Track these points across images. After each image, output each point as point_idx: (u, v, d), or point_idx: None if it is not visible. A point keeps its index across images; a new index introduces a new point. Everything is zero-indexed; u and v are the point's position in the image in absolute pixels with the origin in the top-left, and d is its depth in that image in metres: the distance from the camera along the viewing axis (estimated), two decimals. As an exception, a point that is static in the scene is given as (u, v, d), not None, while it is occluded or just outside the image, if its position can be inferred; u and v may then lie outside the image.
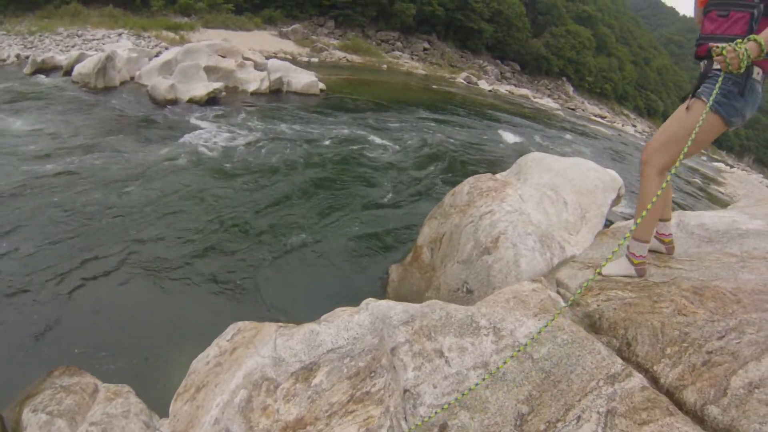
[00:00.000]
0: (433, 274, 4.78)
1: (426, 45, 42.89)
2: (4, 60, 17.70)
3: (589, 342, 2.24)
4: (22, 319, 5.08)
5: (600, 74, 54.92)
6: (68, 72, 15.52)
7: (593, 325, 2.53)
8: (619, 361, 2.20)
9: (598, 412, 1.95)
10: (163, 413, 3.99)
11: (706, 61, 2.40)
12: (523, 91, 38.77)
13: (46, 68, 16.05)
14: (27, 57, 17.16)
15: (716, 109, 2.31)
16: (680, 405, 2.06)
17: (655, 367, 2.24)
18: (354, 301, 3.18)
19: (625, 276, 2.84)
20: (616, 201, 5.78)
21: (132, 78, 15.76)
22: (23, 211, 6.89)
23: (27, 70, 15.83)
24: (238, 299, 5.63)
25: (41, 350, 4.77)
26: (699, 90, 2.42)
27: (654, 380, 2.21)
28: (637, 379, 2.11)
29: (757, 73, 2.25)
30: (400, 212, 8.47)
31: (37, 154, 9.07)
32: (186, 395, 3.19)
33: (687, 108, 2.45)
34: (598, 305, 2.56)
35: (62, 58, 16.47)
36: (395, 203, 8.89)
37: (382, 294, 5.64)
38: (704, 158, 43.41)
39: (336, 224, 7.55)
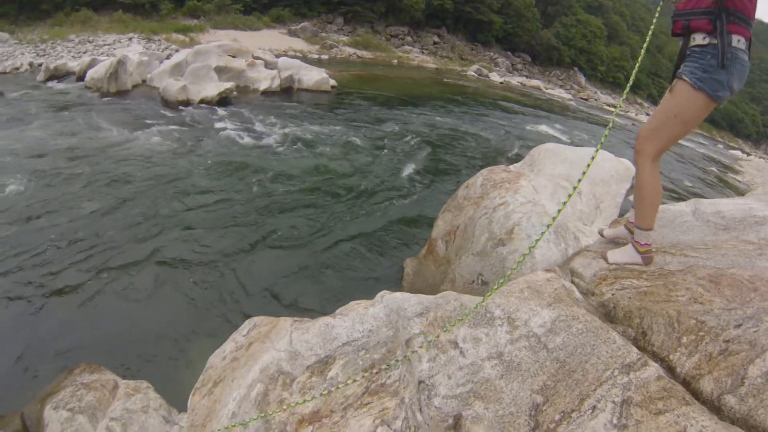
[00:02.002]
0: (448, 267, 4.78)
1: (436, 39, 42.69)
2: (18, 68, 17.97)
3: (604, 331, 2.22)
4: (43, 317, 5.18)
5: (612, 63, 53.93)
6: (81, 77, 15.76)
7: (608, 315, 2.51)
8: (635, 350, 2.18)
9: (613, 402, 1.94)
10: (182, 408, 4.05)
11: (683, 39, 2.36)
12: (535, 82, 38.41)
13: (59, 75, 16.28)
14: (40, 65, 17.42)
15: (699, 87, 2.24)
16: (697, 394, 2.04)
17: (671, 357, 2.22)
18: (369, 294, 3.20)
19: (632, 264, 2.80)
20: (630, 191, 5.72)
21: (144, 81, 15.93)
22: (44, 211, 7.01)
23: (40, 77, 16.07)
24: (254, 295, 5.68)
25: (61, 348, 4.86)
26: (679, 70, 2.36)
27: (670, 369, 2.19)
28: (653, 369, 2.10)
29: (738, 40, 2.15)
30: (413, 206, 8.49)
31: (54, 156, 9.26)
32: (203, 390, 3.23)
33: (670, 91, 2.41)
34: (613, 294, 2.54)
35: (74, 65, 16.69)
36: (409, 197, 8.91)
37: (397, 287, 5.66)
38: (721, 146, 42.70)
39: (350, 219, 7.59)
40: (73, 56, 19.82)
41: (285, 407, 2.37)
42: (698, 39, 2.22)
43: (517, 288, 2.50)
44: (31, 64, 18.29)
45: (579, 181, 2.42)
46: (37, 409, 3.99)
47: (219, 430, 2.57)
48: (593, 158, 2.47)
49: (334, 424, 2.22)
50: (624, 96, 2.53)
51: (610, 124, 2.49)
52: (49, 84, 15.57)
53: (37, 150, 9.52)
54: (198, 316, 5.28)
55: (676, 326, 2.28)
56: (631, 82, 2.52)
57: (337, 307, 2.98)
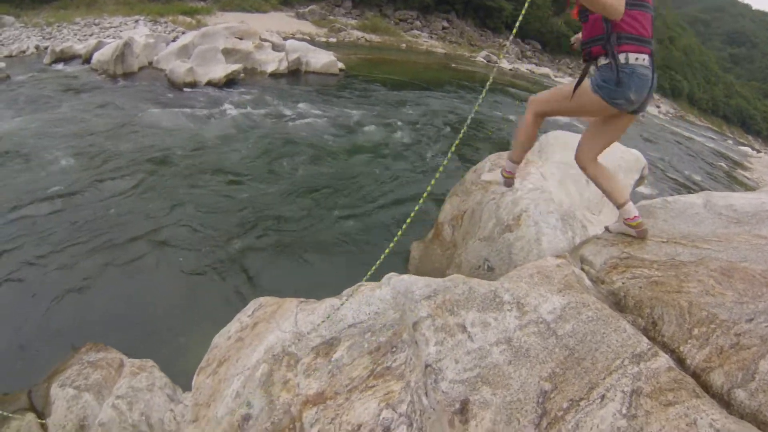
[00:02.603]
0: (454, 251, 4.76)
1: (445, 24, 42.23)
2: (24, 51, 17.84)
3: (615, 320, 2.20)
4: (50, 297, 5.19)
5: None
6: (87, 60, 15.64)
7: (618, 303, 2.48)
8: (645, 340, 2.15)
9: (622, 392, 1.91)
10: (186, 387, 4.06)
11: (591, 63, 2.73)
12: (544, 69, 37.93)
13: (65, 57, 16.15)
14: (46, 48, 17.30)
15: (596, 92, 2.63)
16: (706, 387, 2.01)
17: (681, 348, 2.20)
18: (375, 277, 3.18)
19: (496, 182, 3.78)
20: (639, 181, 5.67)
21: (150, 63, 15.78)
22: (49, 192, 7.02)
23: (47, 60, 15.98)
24: (259, 276, 5.68)
25: (67, 328, 4.87)
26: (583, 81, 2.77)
27: (680, 361, 2.17)
28: (663, 360, 2.07)
29: (636, 58, 2.47)
30: (420, 189, 8.43)
31: (58, 138, 9.24)
32: (208, 369, 3.23)
33: (575, 90, 2.80)
34: (623, 283, 2.51)
35: (80, 47, 16.57)
36: (416, 180, 8.87)
37: (403, 270, 5.63)
38: (730, 142, 42.28)
39: (356, 201, 7.56)
40: (79, 39, 19.68)
41: (289, 388, 2.37)
42: (601, 61, 2.59)
43: (527, 273, 2.47)
44: (37, 48, 18.15)
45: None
46: (44, 387, 4.01)
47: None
48: (474, 111, 3.03)
49: (339, 406, 2.21)
50: (506, 49, 2.81)
51: (490, 79, 2.80)
52: (56, 67, 15.45)
53: (42, 132, 9.50)
54: (203, 297, 5.28)
55: (687, 317, 2.26)
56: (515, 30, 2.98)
57: (342, 289, 2.96)
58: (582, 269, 2.75)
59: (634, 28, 2.43)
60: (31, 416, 3.73)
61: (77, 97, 12.17)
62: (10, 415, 3.74)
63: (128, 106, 11.74)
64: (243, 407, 2.59)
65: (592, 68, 2.70)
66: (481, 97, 2.71)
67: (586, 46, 2.68)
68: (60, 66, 15.54)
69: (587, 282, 2.57)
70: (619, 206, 3.01)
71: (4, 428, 3.58)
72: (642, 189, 8.68)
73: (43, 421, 3.69)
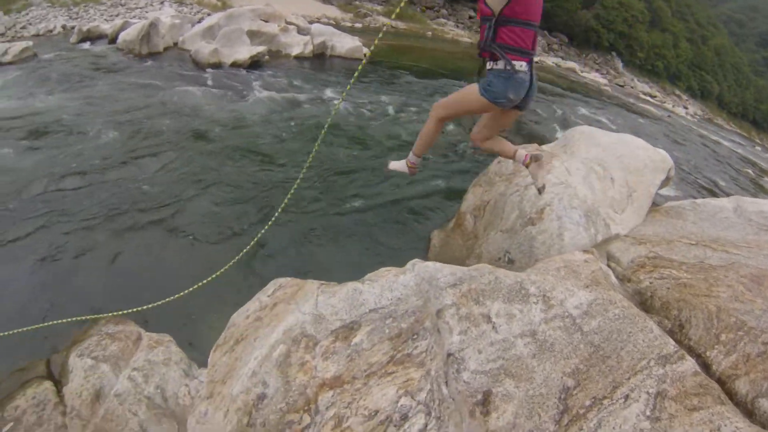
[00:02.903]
0: (475, 242, 4.72)
1: (471, 13, 41.52)
2: (51, 31, 17.93)
3: (642, 319, 2.15)
4: (71, 269, 5.27)
5: (652, 50, 51.01)
6: (113, 40, 15.66)
7: (644, 303, 2.43)
8: (672, 342, 2.11)
9: (647, 393, 1.88)
10: (201, 363, 4.10)
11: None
12: (571, 64, 37.22)
13: (91, 37, 16.18)
14: (73, 27, 17.34)
15: (482, 94, 3.02)
16: (731, 394, 1.97)
17: (708, 353, 2.15)
18: (394, 263, 3.16)
19: (401, 172, 4.07)
20: (665, 182, 5.55)
21: (175, 44, 15.81)
22: (73, 167, 7.11)
23: (73, 39, 16.04)
24: (278, 256, 5.69)
25: (88, 299, 4.94)
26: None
27: (705, 366, 2.13)
28: (690, 363, 2.03)
29: (519, 65, 2.85)
30: (442, 178, 8.38)
31: (92, 115, 9.36)
32: (225, 347, 3.24)
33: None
34: (651, 283, 2.46)
35: (107, 27, 16.62)
36: (437, 169, 8.80)
37: (422, 258, 5.60)
38: (759, 148, 41.26)
39: (377, 187, 7.50)
40: (105, 19, 19.75)
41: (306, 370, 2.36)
42: (490, 64, 2.96)
43: (554, 266, 2.43)
44: (64, 27, 18.20)
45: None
46: (63, 356, 4.08)
47: None
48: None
49: (356, 391, 2.20)
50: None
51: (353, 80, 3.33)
52: (82, 46, 15.46)
53: (72, 109, 9.63)
54: (222, 275, 5.30)
55: (715, 322, 2.21)
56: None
57: (359, 274, 2.94)
58: (608, 266, 2.70)
59: (515, 41, 2.79)
60: (48, 384, 3.80)
61: (105, 75, 12.27)
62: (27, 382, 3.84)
63: (154, 85, 11.81)
64: (258, 387, 2.60)
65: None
66: (347, 87, 3.11)
67: (479, 48, 3.03)
68: (86, 45, 15.61)
69: (613, 279, 2.52)
70: (512, 157, 3.81)
71: (20, 394, 3.66)
72: (665, 191, 8.52)
73: (60, 390, 3.77)
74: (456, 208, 6.53)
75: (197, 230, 6.04)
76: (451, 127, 11.83)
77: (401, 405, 2.04)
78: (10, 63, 12.71)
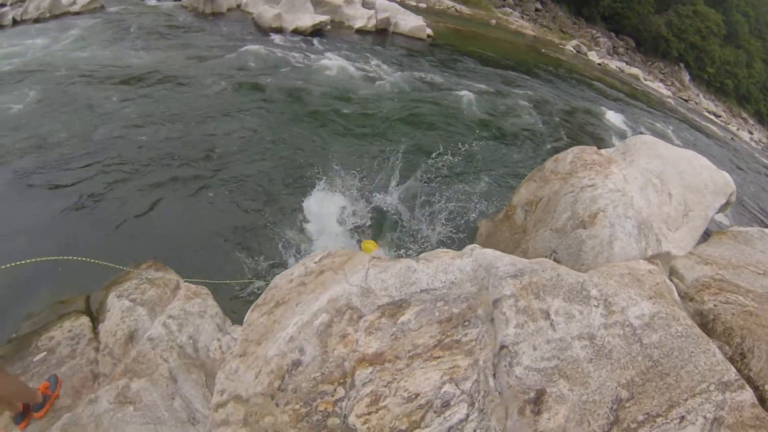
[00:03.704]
0: (522, 237, 4.63)
1: (538, 6, 40.54)
2: None
3: (704, 341, 2.06)
4: (120, 214, 5.42)
5: (723, 67, 47.91)
6: (179, -3, 16.11)
7: (705, 325, 2.33)
8: (733, 369, 2.01)
9: (704, 417, 1.79)
10: (235, 320, 4.16)
11: None
12: (634, 70, 35.80)
13: (158, -7, 16.67)
14: (141, -18, 17.84)
15: None
16: (784, 431, 1.88)
17: (767, 387, 2.06)
18: (438, 247, 3.11)
19: None
20: (723, 207, 5.31)
21: (238, 6, 16.07)
22: (125, 123, 7.31)
23: None
24: (322, 226, 5.69)
25: (135, 242, 5.05)
26: None
27: (762, 400, 2.03)
28: (749, 394, 1.93)
29: None
30: (492, 167, 8.29)
31: (151, 67, 9.65)
32: (264, 308, 3.25)
33: None
34: (715, 305, 2.35)
35: (174, -16, 17.03)
36: (488, 158, 8.69)
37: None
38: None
39: (428, 170, 7.42)
40: (172, -24, 20.10)
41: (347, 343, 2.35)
42: None
43: (618, 272, 2.34)
44: (132, -18, 18.67)
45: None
46: (103, 294, 4.20)
47: None
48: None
49: (398, 371, 2.17)
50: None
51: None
52: (148, 2, 16.04)
53: (131, 62, 9.92)
54: (265, 237, 5.34)
55: (780, 355, 2.10)
56: None
57: (405, 254, 2.91)
58: (671, 280, 2.60)
59: None
60: (85, 319, 3.91)
61: (172, 32, 12.62)
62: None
63: (220, 45, 12.08)
64: (295, 352, 2.60)
65: None
66: None
67: None
68: (153, 2, 16.04)
69: (676, 295, 2.42)
70: None
71: (56, 326, 3.77)
72: (720, 216, 8.19)
73: (96, 327, 3.87)
74: (501, 198, 6.43)
75: (246, 190, 6.14)
76: (514, 116, 11.72)
77: (444, 392, 2.00)
78: (77, 13, 13.18)
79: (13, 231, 4.87)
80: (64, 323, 3.83)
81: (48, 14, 12.71)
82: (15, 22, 12.29)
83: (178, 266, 4.65)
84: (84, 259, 3.68)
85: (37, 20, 12.46)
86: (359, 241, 5.08)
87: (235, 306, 4.47)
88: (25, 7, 12.80)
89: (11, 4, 13.19)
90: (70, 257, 3.55)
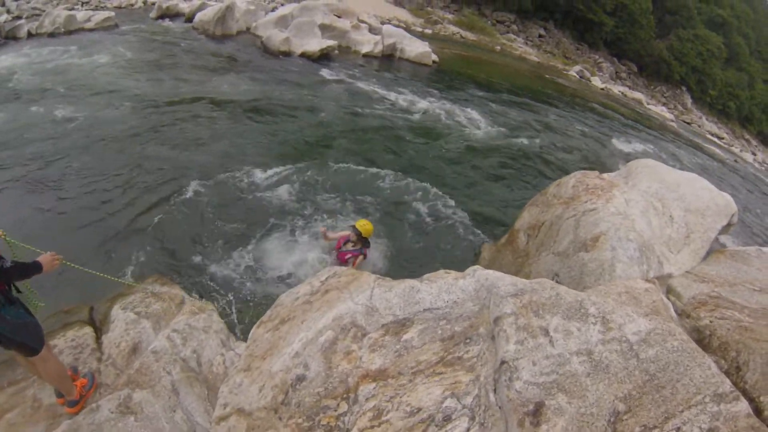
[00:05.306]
0: (525, 260, 4.68)
1: (542, 32, 40.96)
2: (132, 5, 18.85)
3: (700, 355, 2.11)
4: (128, 226, 5.52)
5: (725, 89, 47.32)
6: (190, 19, 16.48)
7: (701, 341, 2.38)
8: (728, 381, 2.06)
9: (699, 428, 1.84)
10: (238, 336, 4.21)
11: None
12: (637, 95, 35.85)
13: (170, 14, 17.06)
14: (153, 3, 18.25)
15: None
16: (779, 441, 1.92)
17: (761, 398, 2.09)
18: (441, 269, 3.15)
19: None
20: (725, 228, 5.34)
21: (248, 29, 16.44)
22: (133, 136, 7.51)
23: (153, 14, 16.94)
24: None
25: (140, 255, 5.12)
26: None
27: (758, 411, 2.07)
28: (744, 405, 1.98)
29: None
30: (495, 192, 8.36)
31: (162, 83, 9.96)
32: (269, 324, 3.32)
33: None
34: (711, 321, 2.40)
35: (185, 6, 17.44)
36: (492, 183, 8.77)
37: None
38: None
39: (431, 195, 7.49)
40: (184, -1, 20.63)
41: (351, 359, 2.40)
42: None
43: (615, 290, 2.40)
44: (144, 2, 19.11)
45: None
46: (107, 306, 4.26)
47: None
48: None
49: (401, 387, 2.22)
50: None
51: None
52: (160, 21, 16.47)
53: (140, 77, 10.22)
54: (274, 257, 5.38)
55: (774, 369, 2.15)
56: None
57: (407, 274, 2.95)
58: (668, 298, 2.65)
59: None
60: (88, 329, 3.96)
61: (181, 52, 12.93)
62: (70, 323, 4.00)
63: (228, 65, 12.38)
64: (299, 368, 2.65)
65: None
66: None
67: None
68: (164, 21, 16.45)
69: (672, 312, 2.47)
70: None
71: (60, 335, 3.81)
72: (725, 238, 8.23)
73: (99, 337, 3.91)
74: (503, 223, 6.48)
75: (256, 210, 6.22)
76: (519, 141, 11.85)
77: (446, 406, 2.05)
78: (91, 30, 13.54)
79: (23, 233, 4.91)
80: (68, 332, 3.88)
81: (63, 29, 13.10)
82: (30, 35, 12.67)
83: (182, 281, 4.77)
84: (94, 272, 3.75)
85: (51, 34, 12.88)
86: (353, 227, 5.11)
87: (239, 321, 4.52)
88: (41, 21, 13.19)
89: (27, 18, 13.59)
90: (80, 267, 3.60)
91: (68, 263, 3.02)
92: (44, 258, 2.64)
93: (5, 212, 5.43)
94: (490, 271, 2.65)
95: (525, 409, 1.89)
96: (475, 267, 2.71)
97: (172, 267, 5.08)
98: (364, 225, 5.06)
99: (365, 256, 5.05)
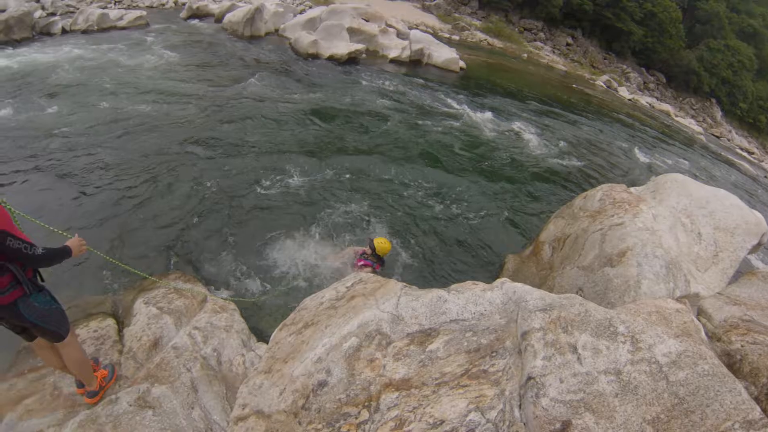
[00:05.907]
0: (549, 273, 4.63)
1: (569, 40, 40.41)
2: (164, 4, 19.21)
3: (731, 380, 2.06)
4: (150, 219, 5.65)
5: (756, 102, 45.50)
6: (219, 19, 16.76)
7: (732, 365, 2.33)
8: (758, 408, 2.01)
9: (729, 456, 1.81)
10: (260, 338, 4.24)
11: None
12: (665, 106, 34.96)
13: (199, 14, 17.40)
14: (183, 3, 18.60)
15: None
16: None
17: (792, 429, 2.04)
18: (467, 279, 3.13)
19: None
20: (755, 247, 5.22)
21: (276, 30, 16.65)
22: (158, 137, 7.61)
23: (183, 14, 17.29)
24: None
25: (164, 253, 5.20)
26: None
27: (786, 441, 2.02)
28: (774, 434, 1.94)
29: None
30: (521, 202, 8.28)
31: (193, 82, 10.17)
32: (292, 327, 3.33)
33: None
34: (742, 346, 2.35)
35: (215, 7, 17.72)
36: (518, 192, 8.69)
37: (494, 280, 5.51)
38: None
39: (457, 204, 7.47)
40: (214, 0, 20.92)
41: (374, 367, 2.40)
42: None
43: (645, 310, 2.36)
44: (175, 2, 19.48)
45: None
46: (129, 299, 4.33)
47: None
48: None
49: (424, 397, 2.21)
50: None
51: None
52: (190, 21, 16.80)
53: (171, 75, 10.43)
54: (297, 260, 5.41)
55: (807, 399, 2.09)
56: None
57: (430, 284, 2.95)
58: (698, 320, 2.61)
59: None
60: (111, 321, 4.04)
61: (205, 49, 13.20)
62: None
63: (256, 66, 12.52)
64: (321, 373, 2.65)
65: None
66: None
67: None
68: (194, 21, 16.75)
69: (703, 335, 2.43)
70: None
71: (83, 325, 3.88)
72: (754, 257, 8.04)
73: (120, 330, 3.97)
74: (528, 234, 6.43)
75: (280, 214, 6.27)
76: (545, 150, 11.77)
77: (470, 420, 2.04)
78: (123, 28, 13.91)
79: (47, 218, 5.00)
80: (90, 323, 3.97)
81: (96, 27, 13.47)
82: (64, 31, 12.99)
83: (206, 278, 4.89)
84: (120, 263, 3.82)
85: (85, 31, 13.25)
86: (371, 240, 5.12)
87: (260, 323, 4.55)
88: (75, 18, 13.55)
89: (61, 14, 13.93)
90: (106, 256, 3.67)
91: (94, 250, 3.06)
92: (72, 242, 2.67)
93: (40, 197, 5.64)
94: (519, 284, 2.63)
95: (551, 427, 1.88)
96: (503, 279, 2.69)
97: (195, 264, 5.15)
98: (381, 243, 5.12)
99: (375, 271, 5.06)
